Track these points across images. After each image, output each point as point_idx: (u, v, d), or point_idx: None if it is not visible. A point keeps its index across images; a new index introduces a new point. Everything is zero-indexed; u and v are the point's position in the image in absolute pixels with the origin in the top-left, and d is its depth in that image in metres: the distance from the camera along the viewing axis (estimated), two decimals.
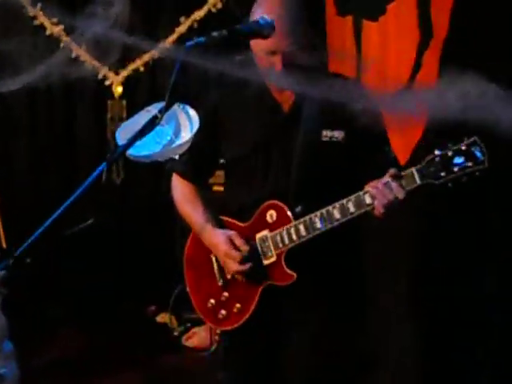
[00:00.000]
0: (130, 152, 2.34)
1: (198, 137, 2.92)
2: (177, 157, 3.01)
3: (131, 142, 2.33)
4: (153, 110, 2.33)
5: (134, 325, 5.86)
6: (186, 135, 2.39)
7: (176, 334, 5.67)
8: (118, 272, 6.21)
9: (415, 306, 4.13)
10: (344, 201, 2.70)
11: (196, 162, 3.01)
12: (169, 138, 2.34)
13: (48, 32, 5.80)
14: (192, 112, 2.37)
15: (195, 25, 5.93)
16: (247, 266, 2.84)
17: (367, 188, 2.67)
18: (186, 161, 3.00)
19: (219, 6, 5.89)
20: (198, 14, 5.90)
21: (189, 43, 2.33)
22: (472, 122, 2.03)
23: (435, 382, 4.04)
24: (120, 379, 4.94)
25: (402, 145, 3.80)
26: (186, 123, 2.40)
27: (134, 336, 5.65)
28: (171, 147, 2.15)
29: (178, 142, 2.40)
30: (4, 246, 5.68)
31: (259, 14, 2.67)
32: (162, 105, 2.36)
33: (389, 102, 2.64)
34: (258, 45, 2.74)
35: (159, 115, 2.36)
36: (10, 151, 6.20)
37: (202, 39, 2.35)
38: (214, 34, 2.41)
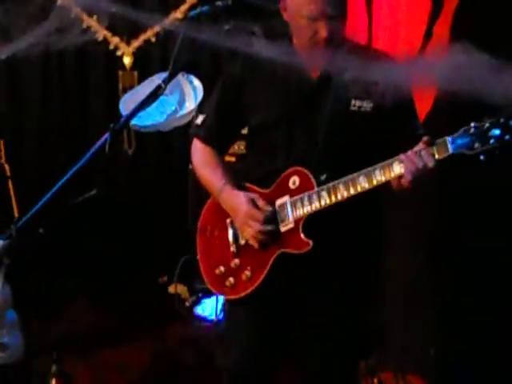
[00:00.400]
0: (135, 122, 2.33)
1: (222, 103, 2.96)
2: (199, 122, 3.00)
3: (134, 111, 2.32)
4: (157, 79, 2.32)
5: (145, 295, 5.88)
6: (190, 105, 2.39)
7: (188, 304, 5.69)
8: (130, 243, 6.23)
9: (434, 281, 4.10)
10: (370, 168, 2.66)
11: (219, 127, 2.98)
12: (173, 107, 2.33)
13: (59, 2, 5.78)
14: (196, 82, 2.37)
15: None
16: (270, 226, 2.80)
17: (396, 157, 2.63)
18: (209, 126, 2.98)
19: None
20: None
21: (192, 12, 2.31)
22: (464, 92, 2.01)
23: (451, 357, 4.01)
24: (131, 350, 4.96)
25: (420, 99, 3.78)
26: (190, 93, 2.40)
27: (145, 306, 5.68)
28: (176, 117, 2.15)
29: (183, 112, 2.40)
30: (16, 215, 5.70)
31: None
32: (165, 75, 2.34)
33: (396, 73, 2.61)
34: (300, 10, 2.71)
35: (163, 85, 2.34)
36: (22, 122, 6.22)
37: (205, 8, 2.34)
38: (218, 2, 2.39)
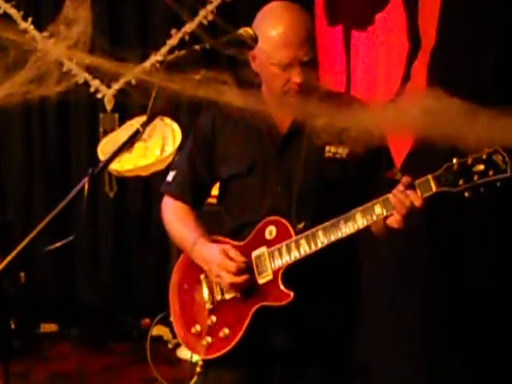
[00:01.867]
0: (113, 166, 2.31)
1: (192, 158, 2.87)
2: (170, 178, 2.95)
3: (113, 156, 2.29)
4: (135, 124, 2.30)
5: (128, 337, 5.86)
6: (169, 149, 2.38)
7: (170, 346, 5.67)
8: (112, 285, 6.22)
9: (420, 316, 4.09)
10: (351, 212, 2.57)
11: (191, 183, 2.90)
12: (152, 151, 2.32)
13: (39, 45, 5.79)
14: (175, 126, 2.35)
15: (186, 37, 5.95)
16: (243, 277, 2.67)
17: (378, 199, 2.55)
18: (180, 182, 2.90)
19: (210, 17, 5.91)
20: (189, 27, 5.92)
21: (169, 57, 2.31)
22: (437, 136, 2.01)
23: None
24: None
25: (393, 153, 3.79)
26: (168, 137, 2.39)
27: (129, 348, 5.66)
28: (154, 161, 2.14)
29: (162, 156, 2.39)
30: None
31: (266, 25, 2.64)
32: (144, 119, 2.33)
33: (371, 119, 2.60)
34: (271, 58, 2.65)
35: (141, 129, 2.32)
36: (2, 165, 6.21)
37: (182, 52, 2.33)
38: (196, 47, 2.39)
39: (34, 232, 2.19)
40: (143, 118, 2.35)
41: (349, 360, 2.86)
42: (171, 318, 2.93)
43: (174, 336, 5.57)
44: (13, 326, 5.42)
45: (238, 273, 2.68)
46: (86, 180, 2.23)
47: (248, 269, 2.70)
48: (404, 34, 4.24)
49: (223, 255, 2.70)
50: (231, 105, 2.64)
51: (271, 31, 2.62)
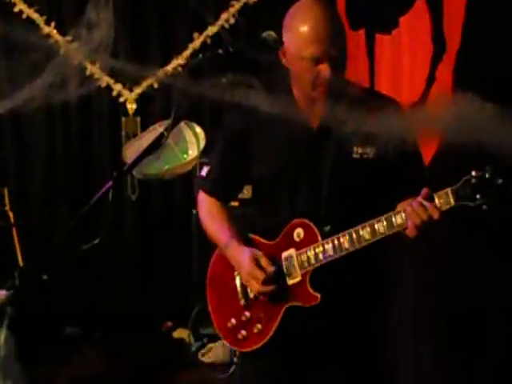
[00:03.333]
0: (137, 170, 2.32)
1: (227, 155, 2.93)
2: (204, 174, 3.00)
3: (137, 160, 2.31)
4: (159, 127, 2.31)
5: (150, 341, 5.86)
6: (193, 152, 2.38)
7: (193, 349, 5.66)
8: (134, 288, 6.23)
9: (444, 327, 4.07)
10: (374, 221, 2.61)
11: (225, 179, 2.96)
12: (175, 155, 2.32)
13: (62, 50, 5.82)
14: (198, 129, 2.35)
15: (208, 40, 5.95)
16: (270, 287, 2.76)
17: (399, 208, 2.60)
18: (214, 179, 2.96)
19: (232, 21, 5.91)
20: (211, 30, 5.93)
21: (193, 61, 2.31)
22: (469, 141, 1.99)
23: None
24: None
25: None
26: (192, 141, 2.39)
27: (151, 352, 5.66)
28: (178, 165, 2.14)
29: (185, 160, 2.39)
30: (21, 264, 5.69)
31: (297, 21, 2.65)
32: (168, 122, 2.34)
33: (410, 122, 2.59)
34: (300, 53, 2.66)
35: (165, 133, 2.33)
36: (26, 170, 6.24)
37: (206, 56, 2.33)
38: (220, 50, 2.39)
39: (60, 236, 2.20)
40: (167, 122, 2.36)
41: (374, 362, 2.89)
42: (209, 311, 3.01)
43: (196, 339, 5.57)
44: (37, 331, 5.44)
45: (266, 282, 2.75)
46: (110, 184, 2.24)
47: (278, 269, 2.77)
48: (428, 37, 4.21)
49: (254, 263, 2.77)
50: (258, 108, 2.66)
51: (301, 26, 2.64)
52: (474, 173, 2.45)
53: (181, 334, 5.78)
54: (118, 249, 6.22)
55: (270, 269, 2.76)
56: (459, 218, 3.03)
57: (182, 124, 2.10)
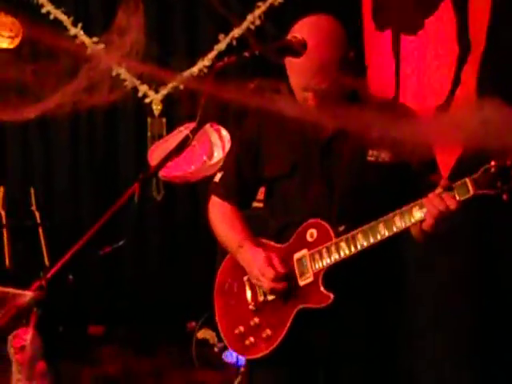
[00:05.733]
0: (163, 172, 2.33)
1: (239, 159, 2.92)
2: (217, 179, 2.99)
3: (163, 162, 2.31)
4: (184, 130, 2.31)
5: (174, 340, 5.88)
6: (218, 155, 2.38)
7: (216, 350, 5.67)
8: (159, 288, 6.24)
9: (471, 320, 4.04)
10: (390, 215, 2.58)
11: (238, 183, 2.94)
12: (200, 158, 2.32)
13: (89, 51, 5.86)
14: (224, 132, 2.36)
15: (234, 42, 5.97)
16: (281, 284, 2.72)
17: (416, 201, 2.56)
18: (227, 183, 2.95)
19: (258, 23, 5.92)
20: (237, 32, 5.94)
21: (220, 63, 2.31)
22: (495, 147, 1.97)
23: None
24: None
25: (441, 160, 3.75)
26: (218, 143, 2.39)
27: (174, 352, 5.67)
28: (203, 167, 2.15)
29: (211, 162, 2.40)
30: (47, 263, 5.73)
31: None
32: (193, 125, 2.34)
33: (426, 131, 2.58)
34: (292, 79, 2.70)
35: (191, 135, 2.33)
36: (52, 170, 6.28)
37: (233, 59, 2.34)
38: (246, 53, 2.39)
39: (86, 236, 2.21)
40: (193, 124, 2.36)
41: (390, 365, 2.85)
42: (216, 319, 2.96)
43: (220, 340, 5.57)
44: (61, 329, 5.47)
45: (277, 280, 2.72)
46: (136, 185, 2.25)
47: (290, 271, 2.73)
48: (454, 38, 4.20)
49: (266, 262, 2.74)
50: (283, 113, 2.66)
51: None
52: (493, 162, 2.43)
53: (205, 334, 5.78)
54: (142, 249, 6.25)
55: (282, 268, 2.73)
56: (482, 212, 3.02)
57: (208, 126, 2.10)
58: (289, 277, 2.73)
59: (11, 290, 3.13)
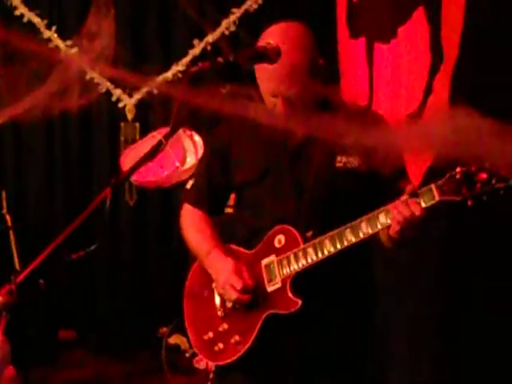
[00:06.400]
0: (135, 177, 2.32)
1: (209, 166, 2.93)
2: (188, 186, 2.99)
3: (135, 167, 2.31)
4: (157, 135, 2.32)
5: (145, 345, 5.86)
6: (191, 160, 2.38)
7: (188, 355, 5.66)
8: (131, 292, 6.23)
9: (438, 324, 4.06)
10: (357, 221, 2.59)
11: (209, 190, 2.95)
12: (173, 163, 2.32)
13: (62, 53, 5.83)
14: (197, 137, 2.36)
15: (208, 47, 5.97)
16: (246, 296, 2.73)
17: (382, 208, 2.57)
18: (198, 190, 2.96)
19: (232, 28, 5.93)
20: (211, 37, 5.94)
21: (194, 69, 2.31)
22: (466, 156, 1.99)
23: None
24: None
25: (412, 169, 3.77)
26: (191, 148, 2.39)
27: (145, 357, 5.65)
28: (176, 173, 2.15)
29: (183, 168, 2.40)
30: (18, 267, 5.69)
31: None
32: (166, 130, 2.34)
33: (395, 138, 2.59)
34: (261, 85, 2.73)
35: (164, 140, 2.33)
36: (24, 173, 6.24)
37: (207, 64, 2.34)
38: (220, 59, 2.39)
39: (57, 241, 2.20)
40: (166, 129, 2.36)
41: (361, 370, 2.85)
42: (185, 325, 2.96)
43: (191, 346, 5.56)
44: (32, 333, 5.44)
45: (244, 291, 2.73)
46: (108, 190, 2.25)
47: (257, 276, 2.75)
48: (426, 47, 4.23)
49: (233, 271, 2.75)
50: (254, 119, 2.67)
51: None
52: (458, 169, 2.45)
53: (176, 340, 5.77)
54: (114, 253, 6.23)
55: (249, 280, 2.74)
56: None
57: (181, 132, 2.10)
58: (257, 282, 2.74)
59: None
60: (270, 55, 2.54)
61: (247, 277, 2.75)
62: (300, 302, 2.66)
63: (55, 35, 5.95)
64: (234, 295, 2.74)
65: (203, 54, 5.94)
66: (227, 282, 2.75)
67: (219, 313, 2.85)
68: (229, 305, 2.83)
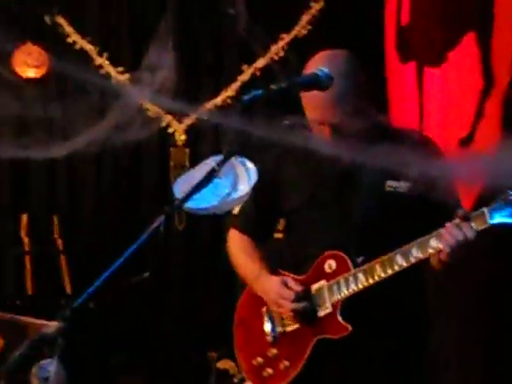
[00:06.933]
0: (188, 204, 2.34)
1: (257, 192, 2.90)
2: (235, 211, 3.01)
3: (189, 195, 2.33)
4: (211, 162, 2.33)
5: (195, 370, 5.86)
6: (244, 188, 2.39)
7: (236, 380, 5.65)
8: (180, 317, 6.23)
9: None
10: (407, 246, 2.59)
11: (256, 216, 2.99)
12: (226, 190, 2.33)
13: (113, 81, 5.88)
14: (250, 164, 2.37)
15: (257, 73, 5.99)
16: (301, 304, 2.75)
17: (434, 232, 2.57)
18: (245, 215, 2.99)
19: (281, 54, 5.94)
20: (261, 63, 5.96)
21: (246, 97, 2.32)
22: None
23: None
24: None
25: (463, 192, 3.74)
26: (243, 176, 2.40)
27: (195, 381, 5.65)
28: (229, 200, 2.15)
29: (236, 195, 2.41)
30: (68, 291, 5.75)
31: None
32: (219, 157, 2.36)
33: (449, 169, 2.58)
34: (308, 113, 2.75)
35: (217, 168, 2.35)
36: (75, 197, 6.29)
37: (259, 92, 2.35)
38: (272, 86, 2.40)
39: (111, 268, 2.22)
40: (219, 157, 2.38)
41: None
42: (235, 350, 3.01)
43: (240, 371, 5.55)
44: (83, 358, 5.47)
45: (297, 300, 2.75)
46: (162, 218, 2.26)
47: (308, 301, 2.76)
48: (477, 71, 4.21)
49: (282, 285, 2.78)
50: (303, 146, 2.68)
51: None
52: (510, 192, 2.43)
53: (225, 364, 5.77)
54: (164, 277, 6.24)
55: (298, 287, 2.76)
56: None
57: (234, 159, 2.11)
58: (308, 307, 2.75)
59: (35, 320, 3.14)
60: (322, 82, 2.55)
61: (295, 285, 2.77)
62: (350, 327, 2.67)
63: (107, 62, 6.00)
64: (289, 306, 2.76)
65: (252, 80, 5.95)
66: (278, 297, 2.78)
67: (268, 338, 2.86)
68: (278, 330, 2.84)
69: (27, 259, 5.75)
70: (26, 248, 5.78)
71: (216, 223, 6.10)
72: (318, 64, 2.68)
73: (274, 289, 2.80)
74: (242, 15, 5.54)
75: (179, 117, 6.05)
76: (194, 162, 5.80)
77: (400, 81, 5.06)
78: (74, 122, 3.47)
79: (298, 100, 2.73)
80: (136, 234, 2.31)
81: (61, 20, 5.98)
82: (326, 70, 2.55)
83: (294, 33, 6.00)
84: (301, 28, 5.97)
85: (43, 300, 5.59)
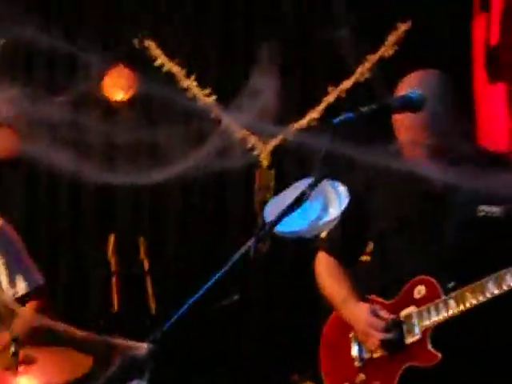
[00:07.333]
0: (277, 228, 2.34)
1: (346, 215, 2.93)
2: (323, 234, 3.00)
3: (279, 218, 2.33)
4: (301, 185, 2.32)
5: None
6: (335, 211, 2.37)
7: None
8: (262, 339, 6.23)
9: None
10: (501, 272, 2.55)
11: (344, 239, 2.97)
12: (316, 214, 2.32)
13: (200, 103, 5.92)
14: (341, 188, 2.35)
15: (343, 94, 5.96)
16: (391, 334, 2.72)
17: None
18: (333, 238, 2.98)
19: (367, 75, 5.91)
20: (346, 84, 5.93)
21: (337, 120, 2.31)
22: None
23: None
24: None
25: None
26: (334, 199, 2.38)
27: None
28: (319, 224, 2.14)
29: (326, 219, 2.39)
30: (153, 312, 5.80)
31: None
32: (310, 180, 2.35)
33: None
34: (400, 135, 2.74)
35: (308, 191, 2.34)
36: (161, 220, 6.35)
37: (350, 115, 2.33)
38: (363, 108, 2.39)
39: (201, 291, 2.23)
40: (309, 180, 2.37)
41: None
42: (322, 374, 3.01)
43: None
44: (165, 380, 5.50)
45: (386, 331, 2.72)
46: (252, 241, 2.27)
47: (396, 328, 2.72)
48: None
49: (371, 313, 2.76)
50: (394, 168, 2.65)
51: None
52: None
53: None
54: (246, 298, 6.24)
55: (388, 316, 2.73)
56: None
57: (325, 182, 2.10)
58: (396, 333, 2.72)
59: (125, 342, 3.17)
60: (415, 103, 2.52)
61: (385, 314, 2.73)
62: (440, 355, 2.62)
63: (194, 84, 6.04)
64: (377, 336, 2.73)
65: (337, 101, 5.93)
66: (367, 326, 2.75)
67: (356, 363, 2.84)
68: (366, 355, 2.81)
69: (114, 280, 5.82)
70: (113, 268, 5.84)
71: (299, 245, 6.08)
72: (411, 85, 2.65)
73: (362, 317, 2.78)
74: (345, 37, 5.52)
75: (264, 138, 6.07)
76: (280, 183, 5.81)
77: (488, 102, 4.98)
78: (171, 147, 3.49)
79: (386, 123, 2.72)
80: (221, 256, 2.31)
81: (149, 43, 6.06)
82: (418, 91, 2.53)
83: (379, 54, 5.96)
84: (387, 48, 5.92)
85: (128, 319, 5.65)
